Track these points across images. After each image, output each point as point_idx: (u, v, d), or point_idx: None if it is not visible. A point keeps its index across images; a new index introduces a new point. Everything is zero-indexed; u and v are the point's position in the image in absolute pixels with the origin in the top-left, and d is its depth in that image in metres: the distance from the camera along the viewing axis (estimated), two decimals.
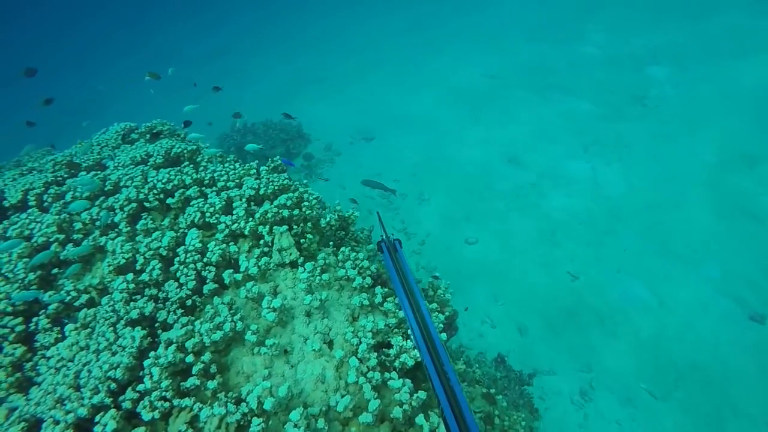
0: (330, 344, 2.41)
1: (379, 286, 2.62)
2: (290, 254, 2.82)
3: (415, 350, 2.21)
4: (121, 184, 3.39)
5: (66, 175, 3.80)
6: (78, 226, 3.10)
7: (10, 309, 2.51)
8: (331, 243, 3.14)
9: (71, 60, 28.98)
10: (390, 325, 2.42)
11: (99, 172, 3.70)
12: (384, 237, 1.93)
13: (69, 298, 2.56)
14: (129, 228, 3.09)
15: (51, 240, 3.00)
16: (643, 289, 8.13)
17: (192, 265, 2.62)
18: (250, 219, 2.92)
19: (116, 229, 3.11)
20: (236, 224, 2.91)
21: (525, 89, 12.26)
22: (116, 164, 3.71)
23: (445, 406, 1.20)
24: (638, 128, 9.98)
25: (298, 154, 13.63)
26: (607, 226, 8.85)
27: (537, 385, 7.16)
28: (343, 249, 2.84)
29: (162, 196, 3.28)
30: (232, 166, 3.48)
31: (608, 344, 7.82)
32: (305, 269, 2.64)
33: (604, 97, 10.97)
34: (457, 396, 1.20)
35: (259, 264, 2.63)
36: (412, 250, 9.76)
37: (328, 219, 3.16)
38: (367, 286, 2.61)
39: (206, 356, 2.15)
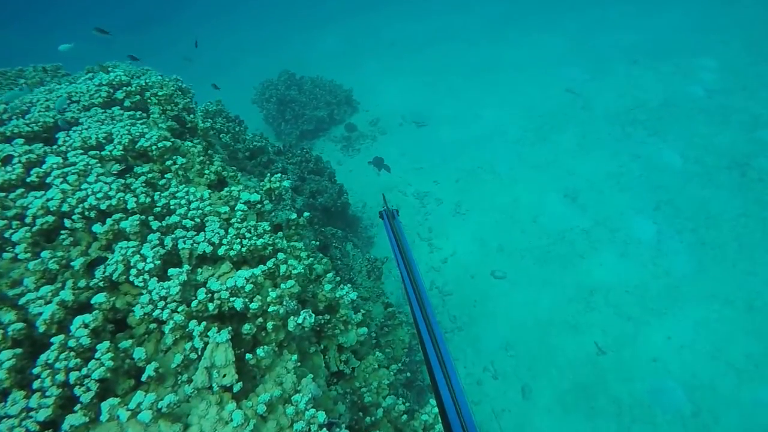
0: None
1: None
2: (223, 377, 1.86)
3: None
4: (49, 179, 2.47)
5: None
6: None
7: None
8: (295, 356, 2.16)
9: None
10: None
11: (43, 145, 2.78)
12: (385, 208, 2.14)
13: None
14: (30, 254, 2.18)
15: None
16: (680, 392, 6.94)
17: (61, 375, 1.69)
18: (182, 305, 1.95)
19: (11, 250, 2.20)
20: (162, 304, 1.96)
21: (606, 118, 10.65)
22: (62, 143, 2.77)
23: (435, 366, 1.23)
24: (728, 200, 8.44)
25: (341, 121, 12.58)
26: (658, 305, 7.58)
27: None
28: (297, 398, 1.85)
29: (93, 214, 2.35)
30: (197, 194, 2.50)
31: None
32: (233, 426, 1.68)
33: (695, 152, 9.34)
34: (444, 359, 1.24)
35: (160, 407, 1.68)
36: (432, 266, 8.77)
37: (301, 320, 2.17)
38: None
39: None
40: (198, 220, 2.41)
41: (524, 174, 9.84)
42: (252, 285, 2.11)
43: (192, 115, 3.98)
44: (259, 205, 3.01)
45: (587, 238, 8.53)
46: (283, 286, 2.20)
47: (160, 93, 3.82)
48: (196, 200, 2.49)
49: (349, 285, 2.70)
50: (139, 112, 3.59)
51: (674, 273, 7.85)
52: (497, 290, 8.24)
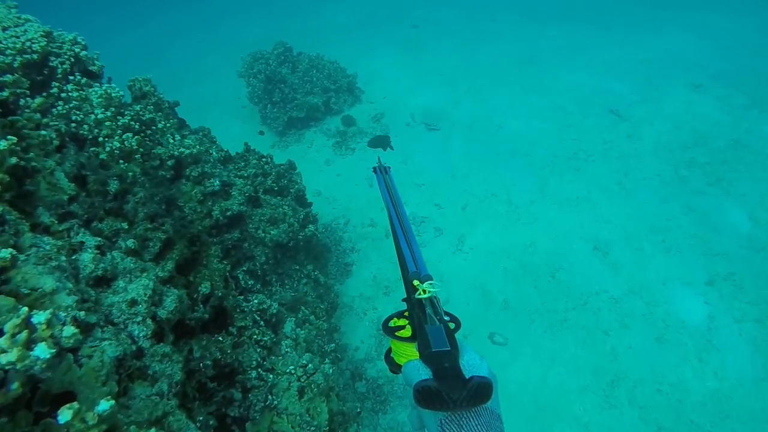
0: None
1: None
2: None
3: None
4: None
5: None
6: None
7: None
8: None
9: None
10: None
11: None
12: (378, 164, 2.22)
13: None
14: None
15: None
16: None
17: None
18: None
19: None
20: None
21: (656, 154, 8.60)
22: None
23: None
24: None
25: (339, 111, 10.69)
26: (701, 417, 5.78)
27: None
28: None
29: None
30: None
31: None
32: None
33: None
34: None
35: None
36: None
37: None
38: None
39: None
40: None
41: (547, 212, 7.94)
42: None
43: None
44: None
45: (616, 309, 6.70)
46: None
47: None
48: None
49: None
50: None
51: (727, 376, 6.00)
52: (494, 359, 6.44)
